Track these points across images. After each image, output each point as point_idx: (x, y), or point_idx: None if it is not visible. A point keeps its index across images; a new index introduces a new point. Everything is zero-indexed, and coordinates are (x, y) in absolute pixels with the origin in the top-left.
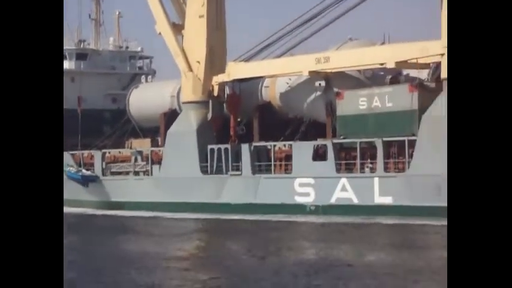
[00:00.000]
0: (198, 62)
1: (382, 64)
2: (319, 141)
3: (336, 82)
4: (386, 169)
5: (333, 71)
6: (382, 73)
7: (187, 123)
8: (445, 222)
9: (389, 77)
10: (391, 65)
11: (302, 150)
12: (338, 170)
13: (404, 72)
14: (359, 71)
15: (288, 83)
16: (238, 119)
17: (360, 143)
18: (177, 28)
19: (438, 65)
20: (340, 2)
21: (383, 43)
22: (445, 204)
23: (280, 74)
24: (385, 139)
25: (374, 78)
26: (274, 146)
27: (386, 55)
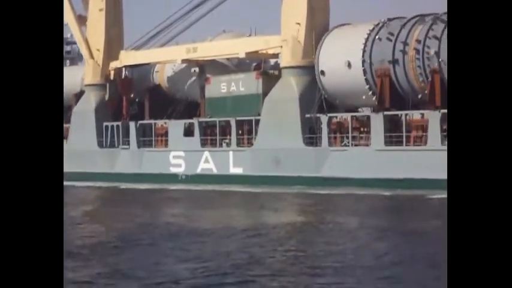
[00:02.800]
0: (98, 50)
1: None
2: (188, 120)
3: (208, 69)
4: (239, 144)
5: (204, 59)
6: (247, 61)
7: (88, 103)
8: (280, 190)
9: (254, 64)
10: (242, 55)
11: (176, 127)
12: (203, 145)
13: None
14: (228, 59)
15: (173, 69)
16: (136, 99)
17: (219, 121)
18: (82, 20)
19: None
20: None
21: (250, 35)
22: (283, 174)
23: (160, 61)
24: (238, 118)
25: (240, 65)
26: (155, 123)
27: (239, 47)
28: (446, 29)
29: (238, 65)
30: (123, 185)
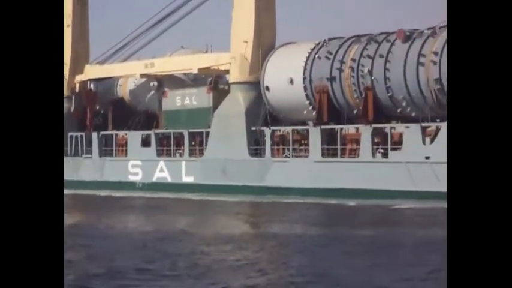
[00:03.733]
0: (65, 63)
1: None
2: (146, 131)
3: (166, 83)
4: (192, 155)
5: (161, 73)
6: (203, 76)
7: None
8: (230, 198)
9: (210, 79)
10: (195, 71)
11: (134, 138)
12: (159, 155)
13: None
14: (185, 74)
15: (134, 82)
16: (102, 111)
17: (174, 133)
18: None
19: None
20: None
21: (206, 51)
22: (230, 183)
23: (121, 75)
24: (190, 130)
25: (197, 80)
26: (116, 134)
27: (192, 63)
28: (379, 49)
29: (194, 80)
30: (86, 192)
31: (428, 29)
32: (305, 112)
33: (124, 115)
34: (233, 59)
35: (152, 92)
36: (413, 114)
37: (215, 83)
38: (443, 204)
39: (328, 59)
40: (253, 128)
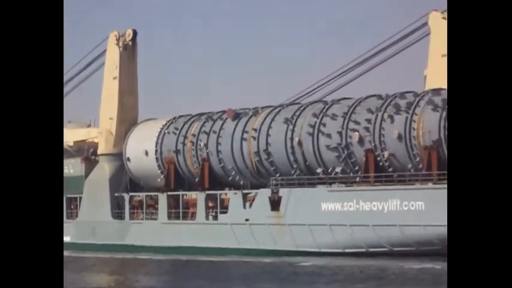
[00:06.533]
0: None
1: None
2: None
3: None
4: (70, 217)
5: None
6: (86, 147)
7: None
8: (96, 255)
9: (91, 150)
10: (70, 143)
11: None
12: None
13: None
14: (69, 145)
15: None
16: None
17: None
18: None
19: None
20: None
21: (89, 126)
22: (98, 242)
23: None
24: (68, 196)
25: (80, 151)
26: None
27: (69, 136)
28: (213, 126)
29: (77, 150)
30: None
31: (253, 108)
32: (159, 180)
33: None
34: (100, 133)
35: None
36: (241, 182)
37: (92, 153)
38: (263, 259)
39: (175, 134)
40: (116, 194)
